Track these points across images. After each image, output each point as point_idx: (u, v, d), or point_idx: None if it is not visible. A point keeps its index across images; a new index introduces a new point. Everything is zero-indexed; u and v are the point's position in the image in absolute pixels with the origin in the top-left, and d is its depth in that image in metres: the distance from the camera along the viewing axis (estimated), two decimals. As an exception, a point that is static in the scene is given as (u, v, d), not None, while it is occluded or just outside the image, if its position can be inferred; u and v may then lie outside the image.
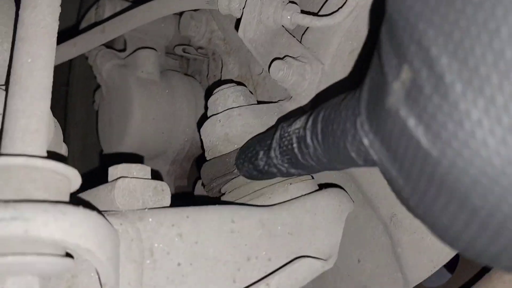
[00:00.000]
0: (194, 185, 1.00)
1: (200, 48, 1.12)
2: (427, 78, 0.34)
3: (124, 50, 1.09)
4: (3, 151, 0.41)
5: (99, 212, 0.41)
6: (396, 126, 0.37)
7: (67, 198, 0.42)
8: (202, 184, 0.70)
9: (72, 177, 0.42)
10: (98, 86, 1.15)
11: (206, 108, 1.09)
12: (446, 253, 0.64)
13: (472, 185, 0.33)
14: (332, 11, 0.65)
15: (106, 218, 0.42)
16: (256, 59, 0.75)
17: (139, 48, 1.04)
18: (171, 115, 1.03)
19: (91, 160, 1.37)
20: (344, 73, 0.71)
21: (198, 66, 1.22)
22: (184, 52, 1.12)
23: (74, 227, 0.35)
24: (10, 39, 0.56)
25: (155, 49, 1.05)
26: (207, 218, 0.52)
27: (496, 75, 0.30)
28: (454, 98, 0.32)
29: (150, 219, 0.49)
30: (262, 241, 0.53)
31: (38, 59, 0.46)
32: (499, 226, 0.34)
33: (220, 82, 0.94)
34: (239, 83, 0.76)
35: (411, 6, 0.34)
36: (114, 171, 0.54)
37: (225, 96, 0.71)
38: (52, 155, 0.44)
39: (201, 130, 0.71)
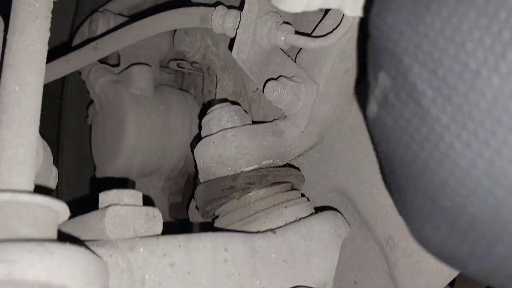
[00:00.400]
0: (188, 203, 0.99)
1: (195, 63, 1.12)
2: (402, 86, 0.37)
3: (117, 65, 1.08)
4: (-11, 184, 0.40)
5: (87, 247, 0.40)
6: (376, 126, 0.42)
7: (54, 232, 0.41)
8: (196, 207, 0.69)
9: (59, 210, 0.41)
10: (92, 101, 1.14)
11: (200, 126, 1.09)
12: (444, 277, 0.63)
13: (441, 186, 0.36)
14: (326, 31, 0.65)
15: (94, 252, 0.41)
16: (250, 77, 0.74)
17: (133, 64, 1.03)
18: (166, 131, 1.02)
19: (84, 173, 1.35)
20: (339, 93, 0.70)
21: (193, 80, 1.21)
22: (179, 67, 1.11)
23: (61, 267, 0.34)
24: None
25: (149, 65, 1.04)
26: (200, 246, 0.51)
27: (462, 84, 0.33)
28: (426, 104, 0.35)
29: (141, 249, 0.48)
30: (256, 270, 0.52)
31: (26, 86, 0.45)
32: (466, 227, 0.36)
33: (214, 101, 0.93)
34: (234, 102, 0.75)
35: (383, 19, 0.38)
36: (104, 197, 0.53)
37: (219, 116, 0.70)
38: (39, 188, 0.43)
39: (195, 151, 0.70)
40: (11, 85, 0.45)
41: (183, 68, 1.12)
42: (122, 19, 1.06)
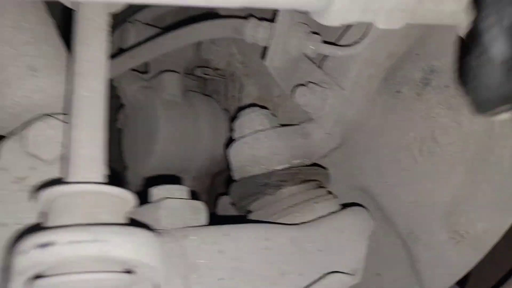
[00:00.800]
0: (215, 201, 1.05)
1: (218, 69, 1.18)
2: None
3: (146, 72, 1.14)
4: (70, 178, 0.45)
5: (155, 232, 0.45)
6: None
7: (125, 219, 0.46)
8: (232, 203, 0.75)
9: (130, 200, 0.47)
10: (120, 105, 1.20)
11: (223, 127, 1.14)
12: (463, 267, 0.68)
13: None
14: (353, 40, 0.70)
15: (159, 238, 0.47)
16: (278, 83, 0.80)
17: (162, 71, 1.09)
18: (193, 134, 1.08)
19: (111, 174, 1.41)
20: (363, 97, 0.75)
21: (215, 85, 1.27)
22: (204, 74, 1.17)
23: (142, 247, 0.39)
24: (63, 72, 0.61)
25: (178, 72, 1.11)
26: (244, 236, 0.56)
27: None
28: None
29: (194, 237, 0.54)
30: (294, 258, 0.58)
31: (95, 92, 0.51)
32: None
33: (244, 105, 0.99)
34: (262, 107, 0.81)
35: None
36: (157, 191, 0.59)
37: (251, 120, 0.76)
38: (109, 179, 0.48)
39: (230, 151, 0.75)
40: (81, 92, 0.51)
41: (207, 74, 1.19)
42: (151, 30, 1.12)
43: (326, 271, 0.58)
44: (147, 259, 0.40)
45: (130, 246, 0.38)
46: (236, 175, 0.74)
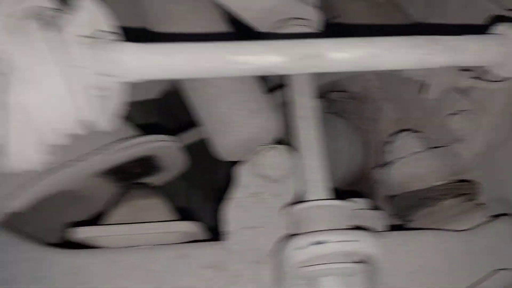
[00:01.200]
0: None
1: (350, 92, 1.33)
2: None
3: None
4: (310, 196, 0.63)
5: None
6: None
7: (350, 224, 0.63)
8: (394, 213, 0.90)
9: (350, 208, 0.64)
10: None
11: (358, 144, 1.29)
12: None
13: None
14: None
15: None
16: (430, 111, 0.94)
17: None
18: (335, 152, 1.24)
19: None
20: (506, 121, 0.87)
21: (344, 105, 1.43)
22: (339, 97, 1.33)
23: (378, 246, 0.56)
24: (271, 112, 0.80)
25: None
26: (425, 239, 0.71)
27: None
28: None
29: (389, 239, 0.69)
30: (465, 256, 0.71)
31: (314, 130, 0.69)
32: None
33: (398, 130, 1.13)
34: (414, 131, 0.95)
35: None
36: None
37: (407, 142, 0.91)
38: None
39: (390, 170, 0.91)
40: (305, 131, 0.69)
41: (342, 98, 1.35)
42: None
43: (492, 269, 0.71)
44: (377, 257, 0.56)
45: (374, 244, 0.55)
46: (397, 190, 0.89)
